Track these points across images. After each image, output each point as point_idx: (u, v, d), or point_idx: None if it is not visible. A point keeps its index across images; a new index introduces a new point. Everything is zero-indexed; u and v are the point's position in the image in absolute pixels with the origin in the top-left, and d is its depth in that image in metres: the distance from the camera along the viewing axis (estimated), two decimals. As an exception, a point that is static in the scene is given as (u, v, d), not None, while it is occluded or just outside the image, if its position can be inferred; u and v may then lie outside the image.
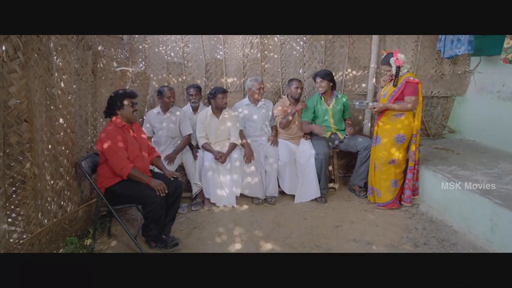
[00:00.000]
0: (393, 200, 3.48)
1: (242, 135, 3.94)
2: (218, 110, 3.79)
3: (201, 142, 3.78)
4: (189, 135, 3.83)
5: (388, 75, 3.45)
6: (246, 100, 4.14)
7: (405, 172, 3.47)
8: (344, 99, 4.03)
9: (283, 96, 4.13)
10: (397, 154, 3.39)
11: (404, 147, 3.39)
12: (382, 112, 3.49)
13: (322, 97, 3.96)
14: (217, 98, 3.69)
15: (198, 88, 3.97)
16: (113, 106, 2.72)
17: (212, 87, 3.96)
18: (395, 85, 3.33)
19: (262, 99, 4.10)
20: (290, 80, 4.05)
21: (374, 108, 3.49)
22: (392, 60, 3.28)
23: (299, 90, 3.95)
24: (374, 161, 3.56)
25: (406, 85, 3.26)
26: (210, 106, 3.83)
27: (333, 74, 4.12)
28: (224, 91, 3.74)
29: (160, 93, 3.78)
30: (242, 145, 3.86)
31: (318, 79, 3.87)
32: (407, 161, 3.43)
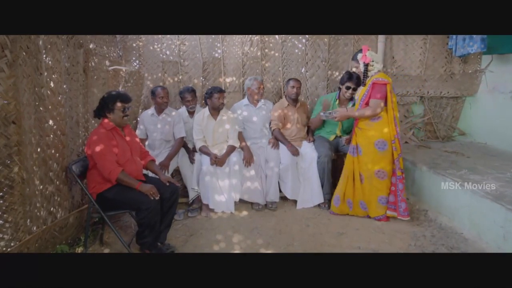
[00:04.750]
0: (384, 215, 3.36)
1: (241, 137, 3.95)
2: (215, 111, 3.79)
3: (198, 145, 3.79)
4: (182, 138, 3.83)
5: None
6: (245, 101, 4.15)
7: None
8: None
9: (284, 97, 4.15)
10: (383, 164, 3.25)
11: (389, 155, 3.24)
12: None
13: (338, 101, 3.96)
14: (213, 98, 3.69)
15: (193, 92, 3.96)
16: (103, 107, 2.72)
17: (210, 87, 3.97)
18: (364, 85, 3.29)
19: (262, 100, 4.11)
20: (289, 80, 4.08)
21: (335, 117, 3.42)
22: (359, 56, 3.23)
23: (295, 90, 3.96)
24: (360, 172, 3.37)
25: (373, 86, 3.19)
26: (207, 107, 3.84)
27: (336, 73, 4.13)
28: (220, 91, 3.74)
29: (152, 93, 3.79)
30: (241, 148, 3.86)
31: (351, 84, 3.75)
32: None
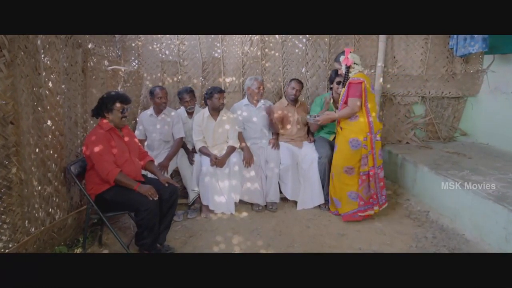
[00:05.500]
0: (354, 210, 3.38)
1: (241, 137, 3.95)
2: (215, 112, 3.79)
3: (198, 145, 3.78)
4: (181, 138, 3.83)
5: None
6: (245, 101, 4.15)
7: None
8: None
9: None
10: (350, 162, 3.31)
11: (360, 153, 3.28)
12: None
13: (332, 100, 3.97)
14: (213, 98, 3.69)
15: (191, 92, 3.95)
16: (102, 107, 2.72)
17: (209, 87, 3.97)
18: (343, 86, 3.34)
19: (262, 100, 4.12)
20: (291, 79, 4.10)
21: (318, 121, 3.48)
22: (341, 58, 3.29)
23: (294, 92, 3.98)
24: (332, 170, 3.51)
25: (349, 86, 3.24)
26: (206, 108, 3.83)
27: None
28: (221, 91, 3.74)
29: (151, 93, 3.79)
30: (241, 148, 3.86)
31: (340, 79, 3.73)
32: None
